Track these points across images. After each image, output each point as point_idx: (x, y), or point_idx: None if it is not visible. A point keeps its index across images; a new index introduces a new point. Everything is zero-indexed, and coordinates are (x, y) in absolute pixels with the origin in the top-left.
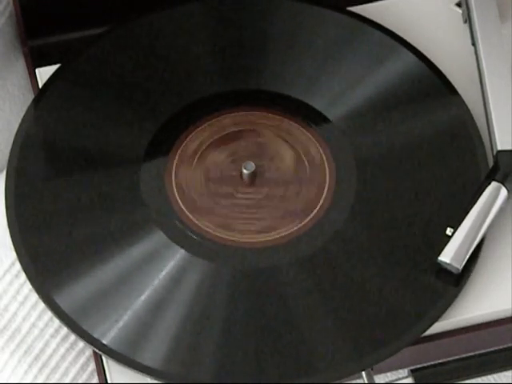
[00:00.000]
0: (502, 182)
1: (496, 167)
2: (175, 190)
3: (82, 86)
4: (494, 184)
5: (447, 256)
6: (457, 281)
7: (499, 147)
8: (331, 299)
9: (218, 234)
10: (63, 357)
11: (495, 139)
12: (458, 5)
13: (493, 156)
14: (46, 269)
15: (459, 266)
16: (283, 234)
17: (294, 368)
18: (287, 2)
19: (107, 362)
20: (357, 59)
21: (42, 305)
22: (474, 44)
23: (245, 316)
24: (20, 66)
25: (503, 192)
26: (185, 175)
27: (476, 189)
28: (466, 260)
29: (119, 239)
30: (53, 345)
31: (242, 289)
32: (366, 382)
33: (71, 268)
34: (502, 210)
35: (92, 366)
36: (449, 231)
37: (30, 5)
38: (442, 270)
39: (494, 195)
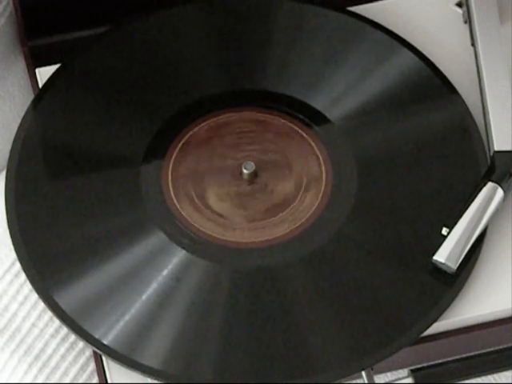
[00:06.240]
0: (499, 182)
1: (492, 168)
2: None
3: (82, 86)
4: (490, 184)
5: (442, 256)
6: (454, 280)
7: (496, 148)
8: (331, 299)
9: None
10: (63, 357)
11: (492, 140)
12: (458, 5)
13: (490, 156)
14: (46, 268)
15: (454, 265)
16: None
17: (294, 368)
18: (287, 2)
19: (107, 361)
20: (357, 59)
21: (41, 305)
22: (473, 45)
23: (245, 316)
24: (20, 65)
25: (499, 193)
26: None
27: (473, 189)
28: (461, 260)
29: (119, 239)
30: (53, 345)
31: (242, 289)
32: (366, 382)
33: (71, 268)
34: (499, 211)
35: (92, 366)
36: (444, 231)
37: (29, 5)
38: (440, 270)
39: (490, 195)
